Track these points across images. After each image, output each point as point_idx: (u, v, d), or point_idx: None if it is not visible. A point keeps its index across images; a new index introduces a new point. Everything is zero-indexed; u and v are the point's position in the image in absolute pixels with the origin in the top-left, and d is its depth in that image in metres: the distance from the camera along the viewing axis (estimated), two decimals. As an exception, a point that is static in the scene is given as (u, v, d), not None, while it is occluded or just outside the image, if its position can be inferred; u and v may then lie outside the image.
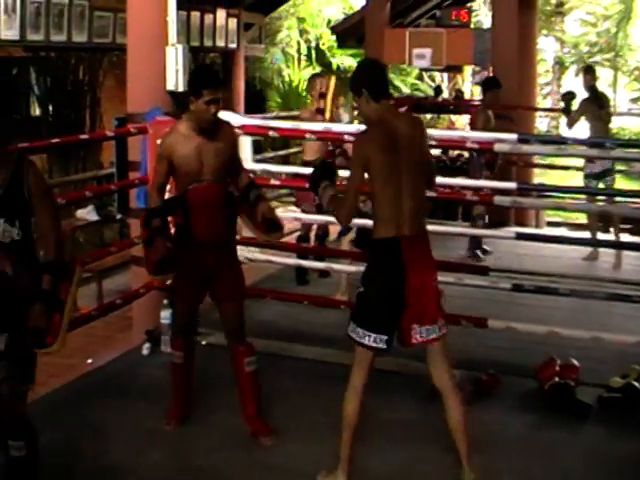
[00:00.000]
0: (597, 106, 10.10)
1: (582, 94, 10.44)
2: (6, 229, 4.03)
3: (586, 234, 10.26)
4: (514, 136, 6.44)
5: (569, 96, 10.60)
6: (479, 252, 10.02)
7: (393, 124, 4.52)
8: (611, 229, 10.87)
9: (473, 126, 10.18)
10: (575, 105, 10.36)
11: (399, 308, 4.40)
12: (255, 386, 5.38)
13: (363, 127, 4.76)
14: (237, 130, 6.16)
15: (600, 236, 10.38)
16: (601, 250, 10.03)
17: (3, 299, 4.07)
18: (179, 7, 6.89)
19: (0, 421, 4.14)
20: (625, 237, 10.85)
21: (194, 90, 5.04)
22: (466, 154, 12.80)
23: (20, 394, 4.15)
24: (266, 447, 5.21)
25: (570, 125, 10.36)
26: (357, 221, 5.94)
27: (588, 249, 10.01)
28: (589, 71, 10.73)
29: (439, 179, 7.18)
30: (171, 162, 5.10)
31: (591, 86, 10.27)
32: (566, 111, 10.55)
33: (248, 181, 5.42)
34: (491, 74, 13.03)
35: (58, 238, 4.23)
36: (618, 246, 9.58)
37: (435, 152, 14.96)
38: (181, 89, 6.74)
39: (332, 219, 5.20)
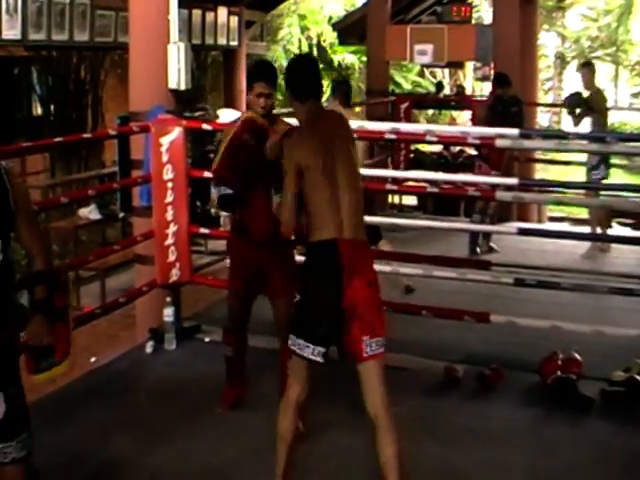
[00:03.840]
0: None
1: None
2: None
3: (588, 229, 10.25)
4: (516, 131, 6.45)
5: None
6: (478, 248, 9.86)
7: (323, 124, 4.33)
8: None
9: (475, 121, 10.13)
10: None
11: (340, 317, 4.01)
12: None
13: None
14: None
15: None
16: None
17: None
18: (180, 5, 6.92)
19: None
20: (627, 232, 10.87)
21: (248, 82, 5.31)
22: (469, 150, 12.77)
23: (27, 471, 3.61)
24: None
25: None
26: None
27: (587, 244, 9.99)
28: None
29: (442, 175, 7.23)
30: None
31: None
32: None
33: None
34: (492, 70, 13.04)
35: (47, 248, 3.98)
36: (619, 240, 9.57)
37: (437, 148, 15.01)
38: (183, 87, 6.76)
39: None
